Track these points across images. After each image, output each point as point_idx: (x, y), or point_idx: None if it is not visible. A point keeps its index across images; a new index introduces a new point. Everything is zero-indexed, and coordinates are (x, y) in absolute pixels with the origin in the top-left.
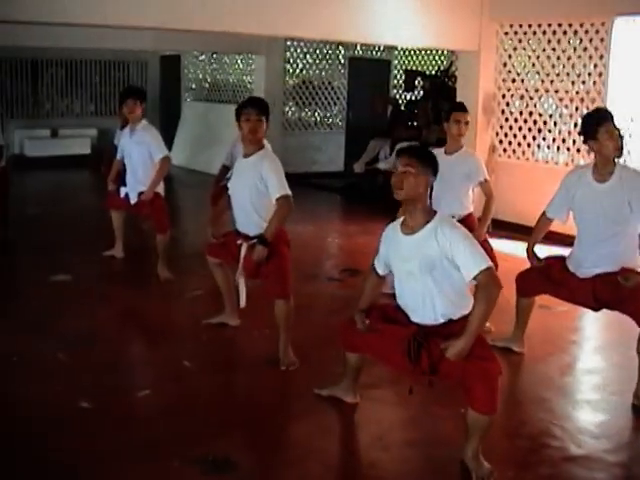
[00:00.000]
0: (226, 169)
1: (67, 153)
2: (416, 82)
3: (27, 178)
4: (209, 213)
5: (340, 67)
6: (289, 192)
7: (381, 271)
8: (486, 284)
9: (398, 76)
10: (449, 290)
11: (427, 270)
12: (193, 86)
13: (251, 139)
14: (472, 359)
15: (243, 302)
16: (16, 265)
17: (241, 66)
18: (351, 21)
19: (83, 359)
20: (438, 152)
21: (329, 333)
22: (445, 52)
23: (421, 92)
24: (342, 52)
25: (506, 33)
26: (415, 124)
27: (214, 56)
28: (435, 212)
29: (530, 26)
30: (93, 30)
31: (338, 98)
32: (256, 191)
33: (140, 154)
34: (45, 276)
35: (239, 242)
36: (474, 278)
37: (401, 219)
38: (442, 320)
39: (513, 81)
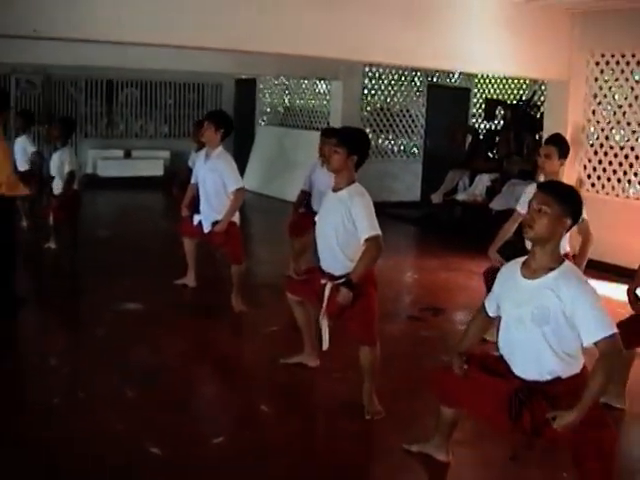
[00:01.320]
0: (305, 195)
1: (139, 174)
2: (497, 111)
3: (99, 198)
4: (292, 245)
5: (418, 94)
6: (379, 232)
7: (492, 312)
8: (608, 353)
9: (477, 105)
10: (560, 347)
11: (539, 322)
12: (268, 110)
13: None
14: (583, 426)
15: (326, 344)
16: (85, 290)
17: (318, 91)
18: (435, 48)
19: (152, 397)
20: (533, 187)
21: (416, 380)
22: (527, 81)
23: (501, 122)
24: (421, 79)
25: (597, 63)
26: (495, 155)
27: (290, 80)
28: (564, 259)
29: (623, 56)
30: (168, 51)
31: (416, 126)
32: (343, 229)
33: (213, 182)
34: (114, 303)
35: (323, 282)
36: (594, 344)
37: (523, 258)
38: (548, 377)
39: (603, 113)
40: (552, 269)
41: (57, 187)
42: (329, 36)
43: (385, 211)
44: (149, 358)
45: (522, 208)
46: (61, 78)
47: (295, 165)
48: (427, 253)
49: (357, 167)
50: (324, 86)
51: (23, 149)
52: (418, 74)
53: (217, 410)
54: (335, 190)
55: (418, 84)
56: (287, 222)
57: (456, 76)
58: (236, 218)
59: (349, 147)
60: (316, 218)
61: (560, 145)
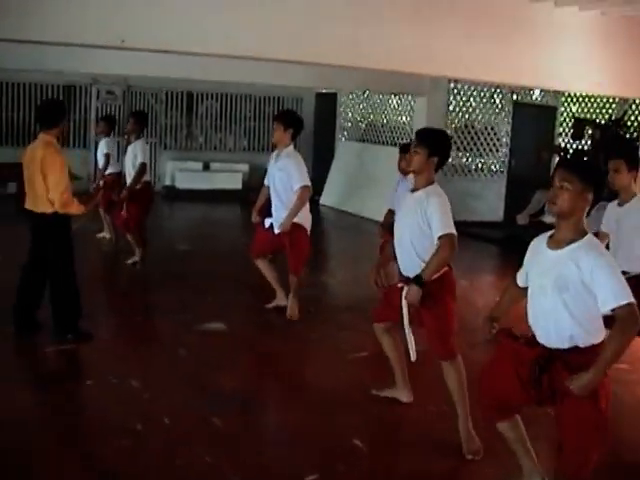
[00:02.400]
0: (392, 214)
1: (218, 187)
2: (585, 131)
3: (177, 210)
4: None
5: (503, 112)
6: (453, 231)
7: (521, 282)
8: (624, 319)
9: (564, 123)
10: (579, 314)
11: (559, 290)
12: (348, 125)
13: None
14: (585, 421)
15: (413, 355)
16: (165, 307)
17: (401, 107)
18: (523, 64)
19: (239, 426)
20: (612, 205)
21: None
22: (616, 99)
23: (589, 142)
24: (506, 96)
25: None
26: None
27: (372, 95)
28: (586, 233)
29: None
30: (248, 64)
31: (500, 144)
32: (418, 230)
33: (281, 181)
34: (196, 322)
35: (400, 285)
36: (611, 311)
37: (552, 231)
38: (568, 345)
39: None
40: (574, 241)
41: (129, 179)
42: (423, 52)
43: (466, 230)
44: (234, 382)
45: (604, 227)
46: (142, 89)
47: (375, 181)
48: (512, 275)
49: (437, 169)
50: (407, 102)
51: (104, 152)
52: (503, 91)
53: (308, 442)
54: (413, 191)
55: (503, 102)
56: (378, 245)
57: (537, 93)
58: (307, 222)
59: (430, 148)
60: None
61: (629, 157)
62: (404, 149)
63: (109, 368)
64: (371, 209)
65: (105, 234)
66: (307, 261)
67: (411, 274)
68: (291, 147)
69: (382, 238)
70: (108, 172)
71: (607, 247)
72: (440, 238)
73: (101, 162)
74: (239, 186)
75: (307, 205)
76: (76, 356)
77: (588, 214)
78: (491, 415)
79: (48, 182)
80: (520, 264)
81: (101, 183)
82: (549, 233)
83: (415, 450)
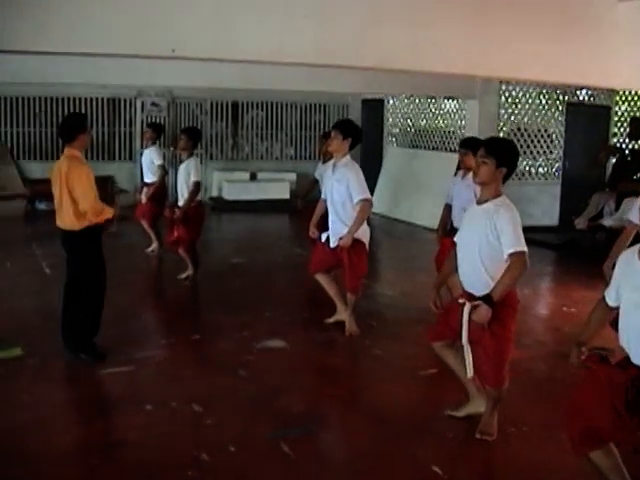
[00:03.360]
0: (449, 209)
1: (265, 197)
2: None
3: (225, 222)
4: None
5: (557, 113)
6: (525, 248)
7: (611, 302)
8: None
9: (618, 123)
10: None
11: None
12: (397, 131)
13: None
14: None
15: (470, 371)
16: (221, 325)
17: (451, 111)
18: (580, 63)
19: (312, 454)
20: None
21: None
22: None
23: None
24: (559, 97)
25: None
26: None
27: (421, 100)
28: None
29: None
30: (293, 71)
31: (554, 146)
32: (487, 244)
33: (340, 193)
34: (255, 340)
35: (461, 301)
36: None
37: None
38: None
39: None
40: None
41: (182, 198)
42: (482, 53)
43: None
44: (299, 405)
45: (635, 218)
46: (186, 100)
47: (426, 188)
48: (574, 282)
49: (505, 180)
50: (457, 105)
51: (151, 161)
52: (557, 92)
53: (384, 471)
54: (480, 203)
55: (557, 102)
56: (434, 254)
57: (583, 92)
58: (365, 236)
59: (498, 158)
60: (456, 236)
61: None
62: (464, 144)
63: (168, 391)
64: (423, 216)
65: (153, 247)
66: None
67: (475, 290)
68: (348, 157)
69: (440, 235)
70: (151, 181)
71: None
72: (511, 255)
73: (147, 172)
74: (287, 196)
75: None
76: (133, 379)
77: None
78: (583, 447)
79: (76, 194)
80: (578, 269)
81: (142, 196)
82: (639, 246)
83: (500, 476)
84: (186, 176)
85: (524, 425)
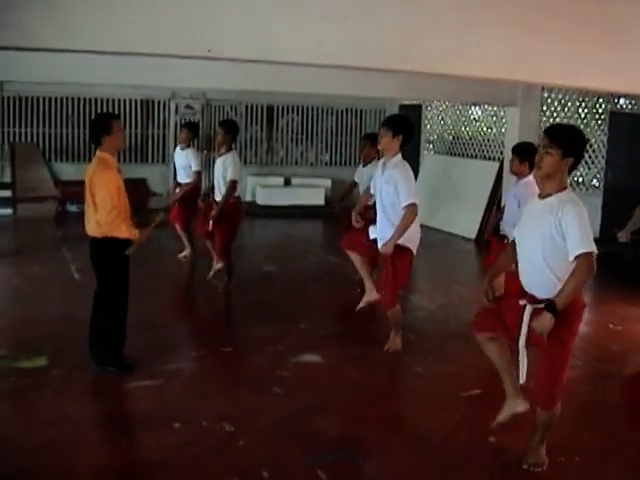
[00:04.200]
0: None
1: (299, 203)
2: None
3: (258, 228)
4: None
5: (600, 122)
6: (594, 249)
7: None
8: None
9: None
10: None
11: None
12: (434, 138)
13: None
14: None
15: (523, 377)
16: (254, 337)
17: (491, 118)
18: (626, 70)
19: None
20: None
21: None
22: None
23: None
24: (602, 106)
25: None
26: None
27: (460, 107)
28: None
29: None
30: (329, 74)
31: (596, 156)
32: (551, 242)
33: (388, 195)
34: (289, 354)
35: (522, 303)
36: None
37: None
38: None
39: None
40: None
41: (219, 194)
42: (529, 58)
43: None
44: (336, 427)
45: None
46: (221, 103)
47: (464, 196)
48: (617, 297)
49: (570, 172)
50: (497, 112)
51: (187, 163)
52: (600, 100)
53: None
54: (542, 197)
55: (600, 111)
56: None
57: (624, 101)
58: (412, 242)
59: (564, 147)
60: (515, 231)
61: None
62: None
63: (198, 408)
64: (461, 225)
65: (186, 253)
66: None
67: (538, 292)
68: (399, 156)
69: (492, 253)
70: (184, 182)
71: None
72: (578, 257)
73: (182, 172)
74: (321, 202)
75: (416, 222)
76: (161, 393)
77: None
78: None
79: (97, 201)
80: (621, 284)
81: (173, 201)
82: None
83: None
84: (223, 171)
85: (575, 454)
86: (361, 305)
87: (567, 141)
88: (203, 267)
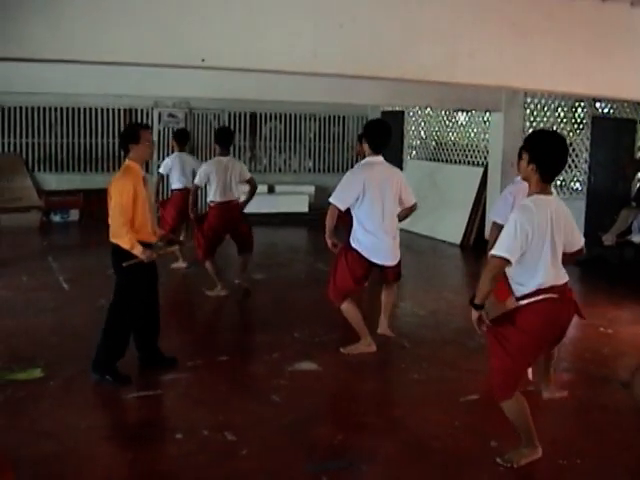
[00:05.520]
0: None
1: (283, 210)
2: None
3: None
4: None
5: (582, 126)
6: (499, 252)
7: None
8: None
9: None
10: None
11: None
12: (417, 143)
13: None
14: None
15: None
16: (250, 345)
17: (474, 124)
18: (627, 75)
19: None
20: None
21: None
22: None
23: None
24: (585, 110)
25: None
26: None
27: (443, 112)
28: None
29: None
30: (312, 82)
31: (579, 160)
32: None
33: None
34: (286, 362)
35: None
36: None
37: None
38: None
39: None
40: None
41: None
42: (518, 65)
43: None
44: (338, 434)
45: None
46: (204, 111)
47: (448, 202)
48: (604, 301)
49: (547, 180)
50: (481, 118)
51: (192, 169)
52: (582, 104)
53: None
54: None
55: (582, 115)
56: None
57: (603, 105)
58: (357, 244)
59: (529, 153)
60: None
61: None
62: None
63: (198, 418)
64: (445, 231)
65: (180, 263)
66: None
67: None
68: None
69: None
70: (174, 187)
71: None
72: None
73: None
74: (305, 209)
75: (366, 231)
76: (160, 403)
77: None
78: None
79: (109, 206)
80: (607, 287)
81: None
82: None
83: None
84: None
85: (576, 457)
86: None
87: (532, 147)
88: (194, 276)
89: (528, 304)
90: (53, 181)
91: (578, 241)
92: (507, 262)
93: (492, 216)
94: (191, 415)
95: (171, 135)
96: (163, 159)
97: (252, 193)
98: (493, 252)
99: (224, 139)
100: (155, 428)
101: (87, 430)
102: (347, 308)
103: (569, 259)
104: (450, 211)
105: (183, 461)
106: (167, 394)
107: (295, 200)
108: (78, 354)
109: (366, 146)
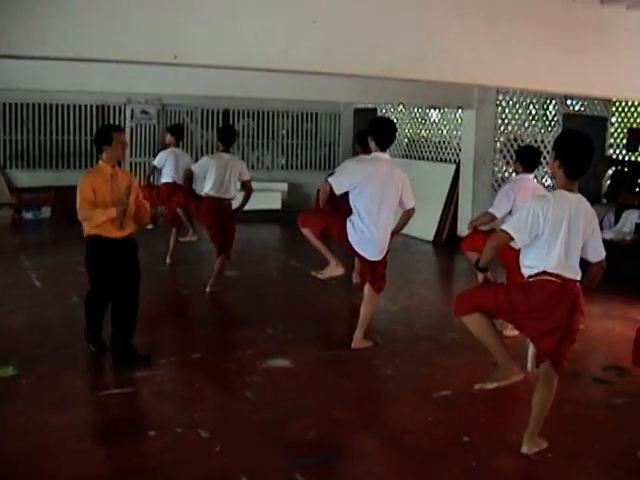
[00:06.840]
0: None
1: (256, 207)
2: None
3: None
4: None
5: (553, 124)
6: (506, 228)
7: None
8: None
9: (615, 134)
10: None
11: None
12: None
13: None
14: None
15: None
16: (223, 342)
17: (446, 121)
18: (599, 73)
19: None
20: None
21: None
22: None
23: None
24: (555, 108)
25: None
26: None
27: (415, 110)
28: None
29: None
30: (285, 79)
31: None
32: None
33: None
34: (259, 359)
35: None
36: None
37: None
38: None
39: None
40: None
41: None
42: (492, 63)
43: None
44: (312, 430)
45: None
46: (176, 108)
47: (422, 199)
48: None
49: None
50: (453, 115)
51: (186, 164)
52: (553, 102)
53: None
54: None
55: (553, 113)
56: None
57: (574, 102)
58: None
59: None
60: None
61: None
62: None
63: (172, 415)
64: (417, 227)
65: (190, 237)
66: None
67: None
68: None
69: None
70: (163, 181)
71: None
72: None
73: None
74: (278, 206)
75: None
76: (133, 401)
77: None
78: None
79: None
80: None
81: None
82: None
83: None
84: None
85: (548, 451)
86: (320, 276)
87: (558, 144)
88: (165, 275)
89: (532, 281)
90: (25, 178)
91: (599, 252)
92: (509, 238)
93: (492, 210)
94: (164, 412)
95: (144, 132)
96: (137, 156)
97: (247, 197)
98: (502, 226)
99: (227, 137)
100: (128, 425)
101: (60, 428)
102: (306, 232)
103: (595, 273)
104: (423, 208)
105: (157, 458)
106: (140, 391)
107: (268, 197)
108: (50, 352)
109: (372, 143)
